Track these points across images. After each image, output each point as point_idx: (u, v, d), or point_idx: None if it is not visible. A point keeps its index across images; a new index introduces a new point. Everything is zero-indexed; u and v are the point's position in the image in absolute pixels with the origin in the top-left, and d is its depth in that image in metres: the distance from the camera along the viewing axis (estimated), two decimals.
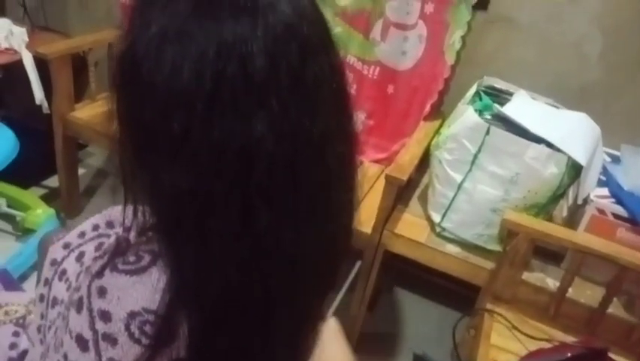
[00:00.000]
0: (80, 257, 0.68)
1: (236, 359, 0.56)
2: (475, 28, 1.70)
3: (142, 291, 0.51)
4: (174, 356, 0.54)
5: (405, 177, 1.42)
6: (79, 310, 0.53)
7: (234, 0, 0.46)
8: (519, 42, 1.68)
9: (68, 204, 2.07)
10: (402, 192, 1.63)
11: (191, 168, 0.47)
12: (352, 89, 1.92)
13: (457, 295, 1.69)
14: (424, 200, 1.62)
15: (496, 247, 1.44)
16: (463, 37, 1.69)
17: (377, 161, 1.93)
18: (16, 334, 0.78)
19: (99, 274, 0.52)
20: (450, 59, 1.71)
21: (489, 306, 1.33)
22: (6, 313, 0.80)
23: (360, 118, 1.94)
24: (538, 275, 1.39)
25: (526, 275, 1.34)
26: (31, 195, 1.99)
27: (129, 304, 0.51)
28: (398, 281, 2.02)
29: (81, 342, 0.52)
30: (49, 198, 2.06)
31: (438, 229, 1.51)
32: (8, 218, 1.95)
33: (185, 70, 0.45)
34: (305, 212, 0.52)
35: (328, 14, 1.82)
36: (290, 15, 0.48)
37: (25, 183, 2.04)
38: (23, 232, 1.91)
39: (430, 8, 1.67)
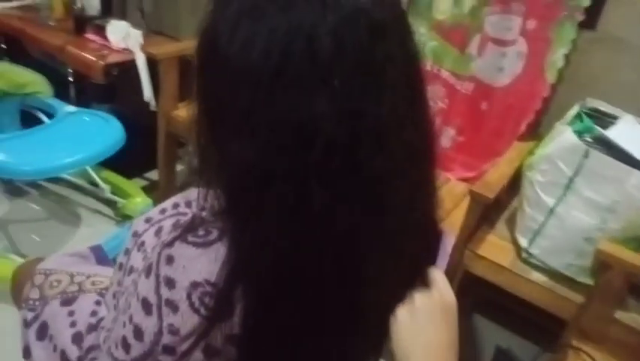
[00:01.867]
0: (158, 231, 0.72)
1: (287, 341, 0.56)
2: (581, 46, 1.60)
3: (206, 263, 0.53)
4: (229, 332, 0.55)
5: (491, 195, 1.36)
6: (147, 275, 0.55)
7: None
8: (628, 64, 1.56)
9: (165, 197, 2.19)
10: (488, 212, 1.56)
11: (254, 142, 0.49)
12: (444, 104, 1.88)
13: (539, 327, 1.58)
14: (512, 223, 1.54)
15: (586, 279, 1.34)
16: (567, 56, 1.60)
17: (465, 179, 1.87)
18: (98, 303, 0.83)
19: (170, 243, 0.55)
20: (551, 77, 1.63)
21: (575, 343, 1.24)
22: (93, 283, 0.86)
23: (450, 134, 1.90)
24: (633, 315, 1.27)
25: (619, 314, 1.23)
26: (132, 185, 2.14)
27: (193, 274, 0.53)
28: (476, 307, 1.93)
29: (146, 305, 0.55)
30: (148, 190, 2.20)
31: (524, 255, 1.43)
32: (111, 204, 2.10)
33: (256, 45, 0.47)
34: (361, 198, 0.51)
35: (423, 27, 1.81)
36: None
37: (128, 174, 2.20)
38: (122, 217, 2.05)
39: (532, 25, 1.61)
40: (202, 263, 0.54)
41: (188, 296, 0.53)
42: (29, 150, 1.61)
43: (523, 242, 1.43)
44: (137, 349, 0.56)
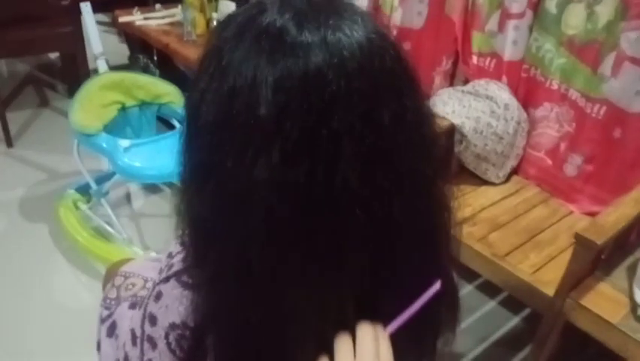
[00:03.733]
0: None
1: None
2: None
3: (187, 305, 0.55)
4: None
5: (600, 241, 1.19)
6: (140, 307, 0.59)
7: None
8: None
9: None
10: (605, 258, 1.37)
11: (204, 201, 0.48)
12: (571, 128, 1.69)
13: None
14: (632, 272, 1.33)
15: None
16: None
17: (591, 214, 1.66)
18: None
19: (166, 280, 0.58)
20: None
21: None
22: (126, 288, 0.92)
23: (576, 162, 1.70)
24: None
25: None
26: None
27: (173, 316, 0.55)
28: (600, 358, 1.70)
29: (133, 336, 0.58)
30: None
31: (639, 312, 1.22)
32: None
33: (204, 103, 0.47)
34: (306, 271, 0.48)
35: (550, 43, 1.64)
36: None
37: None
38: None
39: None
40: (183, 305, 0.55)
41: (166, 336, 0.55)
42: (157, 155, 1.79)
43: (639, 297, 1.22)
44: None
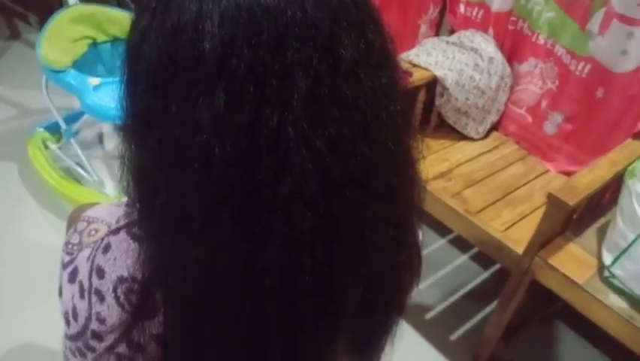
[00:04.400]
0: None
1: (202, 352, 0.53)
2: None
3: (135, 258, 0.52)
4: (154, 330, 0.54)
5: (572, 202, 1.18)
6: (87, 259, 0.56)
7: None
8: None
9: None
10: (577, 218, 1.37)
11: (148, 147, 0.45)
12: (554, 85, 1.66)
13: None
14: (602, 234, 1.34)
15: None
16: None
17: (567, 173, 1.66)
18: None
19: (116, 231, 0.55)
20: None
21: None
22: (89, 234, 0.89)
23: (556, 120, 1.68)
24: None
25: None
26: None
27: (121, 269, 0.52)
28: (562, 315, 1.74)
29: (81, 288, 0.56)
30: None
31: (606, 274, 1.23)
32: None
33: (145, 42, 0.43)
34: (261, 224, 0.45)
35: None
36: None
37: None
38: None
39: None
40: (131, 258, 0.53)
41: (114, 290, 0.53)
42: None
43: (607, 259, 1.23)
44: (73, 327, 0.58)
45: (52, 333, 0.71)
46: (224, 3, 0.40)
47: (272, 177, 0.42)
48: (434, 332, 1.62)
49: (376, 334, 0.63)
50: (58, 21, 1.83)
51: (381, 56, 0.47)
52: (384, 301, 0.60)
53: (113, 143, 2.20)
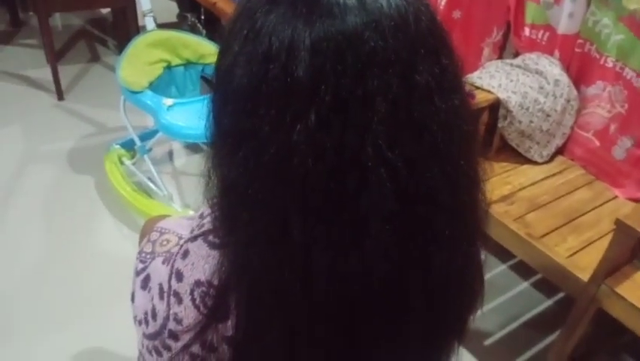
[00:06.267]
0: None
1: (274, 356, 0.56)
2: None
3: (213, 265, 0.56)
4: (225, 332, 0.58)
5: None
6: (167, 263, 0.61)
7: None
8: None
9: None
10: None
11: (236, 164, 0.49)
12: (623, 109, 1.61)
13: None
14: None
15: None
16: None
17: (636, 200, 1.60)
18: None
19: (194, 238, 0.59)
20: None
21: None
22: (161, 244, 0.95)
23: (625, 144, 1.62)
24: None
25: None
26: None
27: (198, 273, 0.57)
28: (631, 348, 1.66)
29: (160, 290, 0.61)
30: None
31: None
32: None
33: (237, 68, 0.47)
34: (343, 239, 0.48)
35: (609, 18, 1.56)
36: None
37: None
38: None
39: None
40: (210, 264, 0.57)
41: (191, 292, 0.57)
42: (200, 114, 1.81)
43: None
44: (152, 326, 0.63)
45: (127, 340, 0.76)
46: (314, 33, 0.44)
47: (354, 193, 0.46)
48: (493, 359, 1.59)
49: (441, 350, 0.64)
50: (137, 45, 1.96)
51: (453, 80, 0.50)
52: (447, 319, 0.61)
53: (182, 160, 2.31)
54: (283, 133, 0.45)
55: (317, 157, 0.45)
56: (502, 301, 1.77)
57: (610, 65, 1.63)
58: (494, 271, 1.87)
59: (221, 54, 0.51)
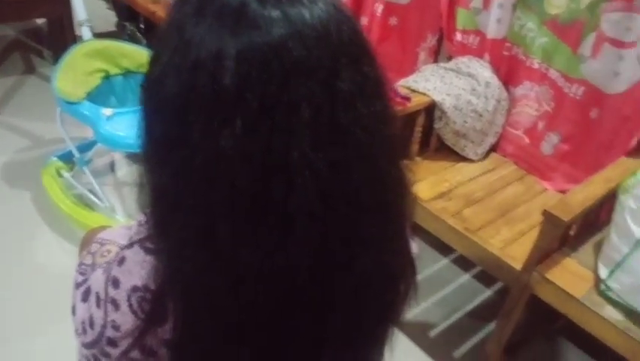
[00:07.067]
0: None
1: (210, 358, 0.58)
2: None
3: (149, 270, 0.57)
4: (164, 336, 0.59)
5: (567, 218, 1.23)
6: (104, 271, 0.61)
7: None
8: None
9: None
10: (575, 234, 1.41)
11: (166, 171, 0.51)
12: (550, 107, 1.71)
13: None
14: (598, 249, 1.37)
15: None
16: None
17: (564, 192, 1.69)
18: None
19: (130, 245, 0.60)
20: None
21: None
22: (102, 255, 0.94)
23: (553, 140, 1.73)
24: None
25: None
26: None
27: (135, 279, 0.57)
28: (564, 331, 1.75)
29: (97, 298, 0.61)
30: None
31: (602, 287, 1.27)
32: None
33: (167, 77, 0.48)
34: (268, 239, 0.49)
35: (533, 22, 1.66)
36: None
37: None
38: None
39: None
40: (145, 269, 0.57)
41: (128, 298, 0.58)
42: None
43: (603, 273, 1.27)
44: (89, 335, 0.63)
45: (66, 356, 0.76)
46: (240, 44, 0.46)
47: (281, 195, 0.48)
48: (438, 350, 1.64)
49: (371, 343, 0.66)
50: (73, 55, 1.92)
51: (375, 87, 0.53)
52: (377, 309, 0.64)
53: (123, 170, 2.27)
54: (211, 139, 0.47)
55: (244, 162, 0.47)
56: (445, 294, 1.84)
57: (536, 66, 1.73)
58: (436, 265, 1.94)
59: (151, 64, 0.52)
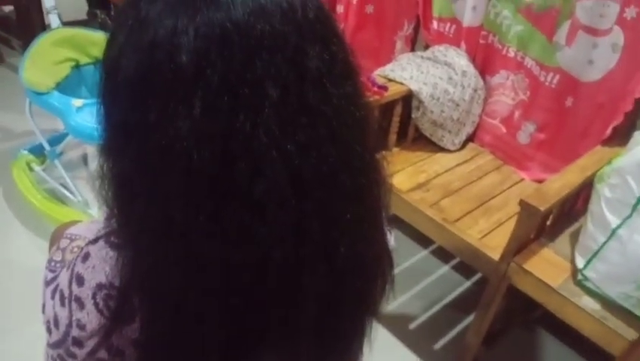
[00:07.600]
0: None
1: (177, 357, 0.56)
2: None
3: (113, 266, 0.54)
4: (132, 335, 0.56)
5: (543, 208, 1.23)
6: (68, 268, 0.58)
7: None
8: None
9: None
10: (551, 224, 1.41)
11: (126, 157, 0.49)
12: (526, 96, 1.71)
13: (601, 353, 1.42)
14: (575, 239, 1.38)
15: None
16: None
17: (541, 181, 1.70)
18: None
19: (95, 240, 0.57)
20: None
21: None
22: (71, 251, 0.91)
23: (529, 129, 1.73)
24: None
25: None
26: None
27: (100, 276, 0.55)
28: (542, 321, 1.77)
29: (62, 297, 0.58)
30: None
31: (579, 277, 1.27)
32: None
33: (123, 58, 0.46)
34: (233, 226, 0.47)
35: (509, 10, 1.65)
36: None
37: None
38: None
39: (631, 13, 1.38)
40: (111, 266, 0.55)
41: (94, 296, 0.55)
42: None
43: (579, 262, 1.27)
44: (55, 335, 0.60)
45: (38, 355, 0.73)
46: (198, 19, 0.43)
47: (247, 180, 0.45)
48: (418, 341, 1.64)
49: (347, 336, 0.65)
50: (41, 44, 1.86)
51: (344, 67, 0.51)
52: (353, 300, 0.62)
53: (97, 163, 2.22)
54: (168, 121, 0.44)
55: (201, 144, 0.44)
56: (425, 286, 1.83)
57: (512, 54, 1.72)
58: (415, 257, 1.94)
59: (108, 46, 0.49)
